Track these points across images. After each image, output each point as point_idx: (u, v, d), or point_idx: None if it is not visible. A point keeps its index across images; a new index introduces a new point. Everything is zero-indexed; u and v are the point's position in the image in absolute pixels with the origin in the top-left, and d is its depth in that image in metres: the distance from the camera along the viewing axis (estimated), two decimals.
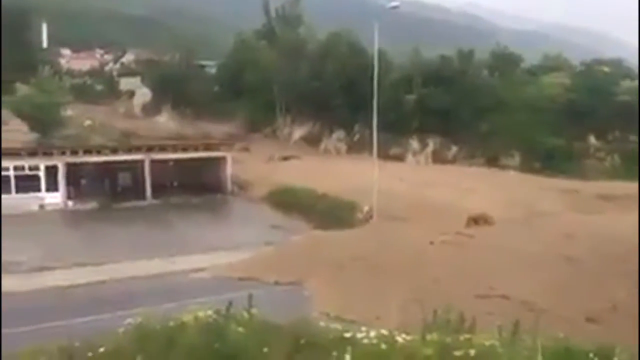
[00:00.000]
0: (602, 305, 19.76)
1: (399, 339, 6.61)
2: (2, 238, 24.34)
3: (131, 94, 69.85)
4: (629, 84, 54.02)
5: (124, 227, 32.54)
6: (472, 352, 6.32)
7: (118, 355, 5.97)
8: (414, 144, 55.36)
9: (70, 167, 38.47)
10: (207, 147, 44.28)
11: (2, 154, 34.86)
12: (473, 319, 8.94)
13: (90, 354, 6.10)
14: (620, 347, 8.47)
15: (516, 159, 52.09)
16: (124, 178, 42.62)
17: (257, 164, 47.18)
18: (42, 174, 37.20)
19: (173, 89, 63.37)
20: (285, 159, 51.45)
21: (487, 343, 6.91)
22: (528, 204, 36.17)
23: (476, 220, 31.19)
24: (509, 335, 8.08)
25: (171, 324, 6.95)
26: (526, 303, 19.21)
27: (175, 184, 42.98)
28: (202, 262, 25.12)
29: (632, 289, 20.77)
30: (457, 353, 6.26)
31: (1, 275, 20.53)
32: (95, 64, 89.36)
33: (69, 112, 49.83)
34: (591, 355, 7.62)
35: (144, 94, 68.36)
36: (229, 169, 43.29)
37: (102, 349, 6.08)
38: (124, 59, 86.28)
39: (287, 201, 38.75)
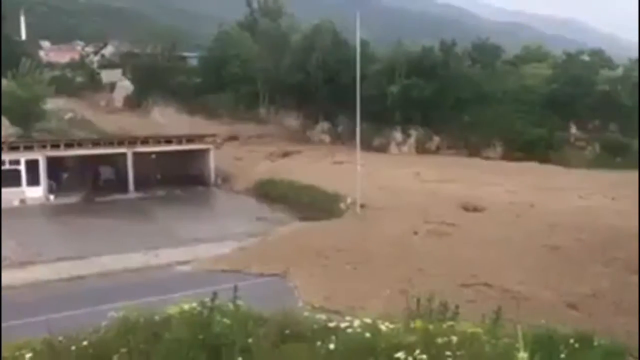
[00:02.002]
0: (583, 292, 20.07)
1: (383, 327, 6.67)
2: None
3: (113, 86, 69.07)
4: (608, 73, 54.60)
5: (106, 221, 32.29)
6: (455, 339, 6.39)
7: (102, 349, 5.96)
8: (397, 135, 55.54)
9: (51, 160, 38.08)
10: (190, 140, 43.99)
11: None
12: (457, 306, 9.06)
13: (73, 348, 6.08)
14: (599, 333, 8.63)
15: (497, 149, 52.52)
16: (106, 171, 42.29)
17: (258, 161, 46.64)
18: (22, 168, 36.76)
19: (155, 81, 62.80)
20: (285, 154, 50.61)
21: (469, 330, 7.00)
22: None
23: (466, 209, 31.50)
24: (492, 322, 8.20)
25: (156, 317, 6.95)
26: (508, 291, 19.47)
27: (159, 176, 42.72)
28: (185, 255, 25.05)
29: (613, 276, 21.14)
30: (440, 340, 6.33)
31: (1, 270, 20.42)
32: (76, 56, 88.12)
33: (49, 105, 49.17)
34: (572, 341, 7.76)
35: (125, 87, 67.65)
36: (213, 162, 43.11)
37: (85, 342, 6.06)
38: (104, 51, 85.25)
39: (271, 193, 38.71)
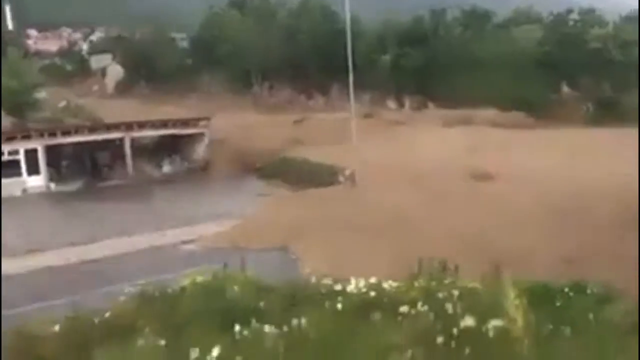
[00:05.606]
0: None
1: (386, 286, 7.04)
2: None
3: (103, 72, 68.71)
4: (598, 31, 54.50)
5: (109, 205, 32.55)
6: (456, 293, 6.74)
7: (124, 319, 6.31)
8: (391, 104, 55.64)
9: (49, 149, 38.21)
10: (186, 124, 44.11)
11: None
12: (456, 266, 9.44)
13: (96, 320, 6.43)
14: (592, 282, 9.01)
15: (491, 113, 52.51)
16: (104, 157, 42.44)
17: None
18: (22, 157, 36.91)
19: (145, 64, 62.52)
20: (296, 121, 50.21)
21: (469, 285, 7.37)
22: None
23: (478, 178, 31.72)
24: (491, 278, 8.57)
25: (169, 290, 7.31)
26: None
27: None
28: (189, 234, 25.43)
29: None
30: (441, 295, 6.69)
31: (1, 259, 20.69)
32: (64, 43, 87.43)
33: (42, 94, 49.05)
34: (566, 289, 8.13)
35: (116, 71, 67.33)
36: (208, 143, 43.26)
37: (107, 315, 6.41)
38: (93, 37, 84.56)
39: (271, 171, 38.92)
